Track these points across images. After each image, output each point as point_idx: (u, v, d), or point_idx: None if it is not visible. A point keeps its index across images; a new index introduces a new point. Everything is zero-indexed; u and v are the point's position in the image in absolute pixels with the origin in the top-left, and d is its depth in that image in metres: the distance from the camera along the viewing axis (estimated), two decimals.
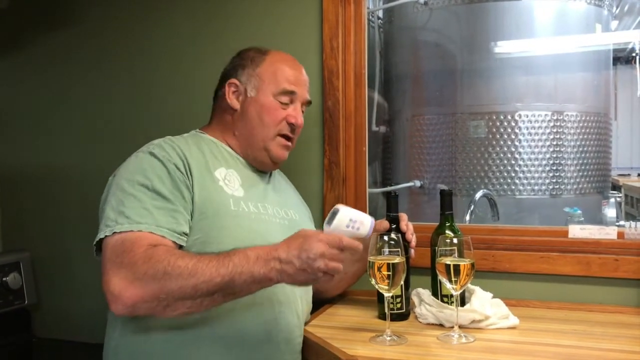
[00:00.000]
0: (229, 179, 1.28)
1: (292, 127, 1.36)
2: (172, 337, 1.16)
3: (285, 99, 1.35)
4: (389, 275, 1.18)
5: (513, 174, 2.33)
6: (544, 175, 2.34)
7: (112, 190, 1.19)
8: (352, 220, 1.12)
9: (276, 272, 1.04)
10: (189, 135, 1.36)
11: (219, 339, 1.17)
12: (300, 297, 1.32)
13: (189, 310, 1.07)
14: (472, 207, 2.26)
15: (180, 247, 1.16)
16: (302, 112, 1.40)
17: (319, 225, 1.69)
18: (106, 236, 1.12)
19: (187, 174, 1.22)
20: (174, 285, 1.03)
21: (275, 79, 1.35)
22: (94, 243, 1.16)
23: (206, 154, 1.30)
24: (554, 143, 2.35)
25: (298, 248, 1.05)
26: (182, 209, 1.18)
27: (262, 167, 1.39)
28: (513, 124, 2.33)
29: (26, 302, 1.98)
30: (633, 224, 1.51)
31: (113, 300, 1.06)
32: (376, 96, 2.56)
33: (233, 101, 1.36)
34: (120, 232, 1.11)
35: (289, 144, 1.38)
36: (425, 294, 1.38)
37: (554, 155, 2.35)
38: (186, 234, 1.18)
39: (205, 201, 1.21)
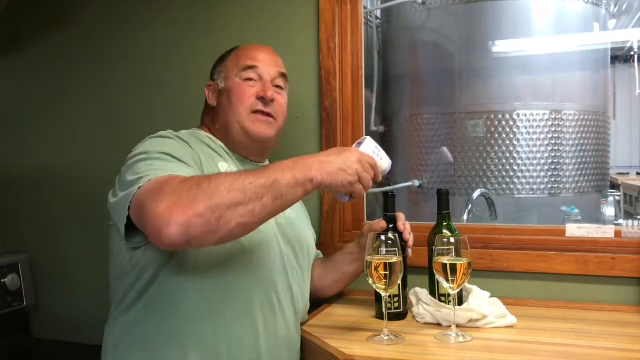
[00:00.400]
0: None
1: (264, 100, 1.33)
2: (171, 336, 1.16)
3: (248, 74, 1.34)
4: (386, 275, 1.18)
5: (512, 173, 2.33)
6: (542, 174, 2.34)
7: (125, 170, 1.14)
8: (378, 149, 1.20)
9: (317, 170, 1.06)
10: (186, 132, 1.36)
11: (214, 339, 1.17)
12: (298, 297, 1.32)
13: (243, 220, 1.00)
14: (470, 206, 2.26)
15: None
16: (281, 87, 1.38)
17: (317, 224, 1.70)
18: (134, 196, 1.04)
19: (197, 155, 1.22)
20: (223, 191, 0.98)
21: (237, 61, 1.37)
22: (127, 208, 1.05)
23: (207, 149, 1.30)
24: (553, 142, 2.35)
25: (336, 152, 1.11)
26: None
27: (248, 152, 1.37)
28: (511, 123, 2.33)
29: (24, 303, 1.98)
30: (630, 222, 1.51)
31: (164, 225, 0.95)
32: (374, 96, 2.57)
33: (213, 101, 1.39)
34: (150, 180, 1.04)
35: (267, 118, 1.34)
36: (423, 293, 1.38)
37: (553, 155, 2.35)
38: None
39: None
